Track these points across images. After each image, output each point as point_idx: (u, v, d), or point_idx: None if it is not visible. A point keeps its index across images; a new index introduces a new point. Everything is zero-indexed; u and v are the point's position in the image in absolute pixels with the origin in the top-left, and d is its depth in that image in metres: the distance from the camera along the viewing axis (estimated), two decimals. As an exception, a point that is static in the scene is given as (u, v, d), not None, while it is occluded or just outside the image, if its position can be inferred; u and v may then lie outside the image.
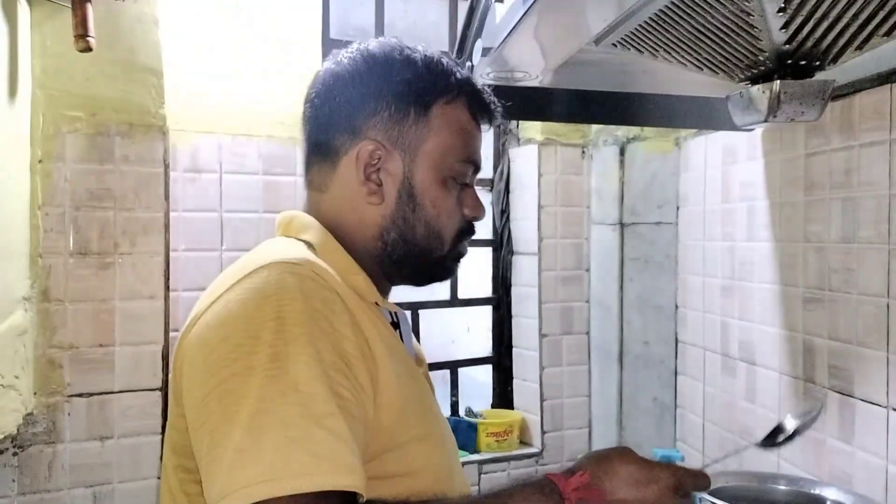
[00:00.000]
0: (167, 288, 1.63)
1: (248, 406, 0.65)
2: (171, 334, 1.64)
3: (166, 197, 1.62)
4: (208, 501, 0.65)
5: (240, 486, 0.63)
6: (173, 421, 0.81)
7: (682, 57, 1.04)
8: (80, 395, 1.55)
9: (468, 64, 1.27)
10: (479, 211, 0.94)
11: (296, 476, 0.63)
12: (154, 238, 1.60)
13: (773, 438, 1.06)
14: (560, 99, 1.45)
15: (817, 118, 0.96)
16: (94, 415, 1.56)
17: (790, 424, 1.06)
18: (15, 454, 1.50)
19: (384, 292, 0.93)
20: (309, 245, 0.86)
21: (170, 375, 0.83)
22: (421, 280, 0.97)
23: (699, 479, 0.86)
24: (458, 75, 0.92)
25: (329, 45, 1.95)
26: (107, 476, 1.58)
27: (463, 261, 0.98)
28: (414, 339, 0.99)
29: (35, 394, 1.51)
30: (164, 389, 1.63)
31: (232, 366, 0.69)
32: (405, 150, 0.89)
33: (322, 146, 0.92)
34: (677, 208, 1.95)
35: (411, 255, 0.90)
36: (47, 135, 1.51)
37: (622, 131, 2.13)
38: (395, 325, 0.92)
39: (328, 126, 0.91)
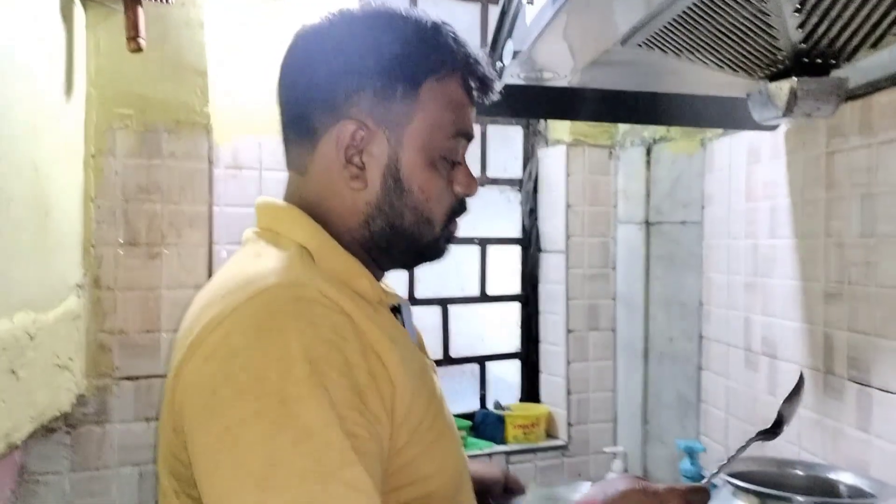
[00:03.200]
0: (210, 278, 1.70)
1: (260, 458, 0.61)
2: (214, 323, 1.72)
3: (210, 191, 1.70)
4: None
5: None
6: (174, 451, 0.74)
7: (704, 56, 1.09)
8: (128, 378, 1.63)
9: (499, 64, 1.33)
10: (471, 188, 0.87)
11: None
12: (198, 231, 1.68)
13: (771, 433, 1.10)
14: (588, 99, 1.49)
15: (832, 115, 1.01)
16: (141, 397, 1.64)
17: (782, 410, 1.11)
18: (67, 433, 1.59)
19: (378, 279, 0.88)
20: (304, 249, 0.80)
21: (164, 403, 0.76)
22: (411, 265, 0.94)
23: (702, 495, 0.85)
24: (453, 48, 0.83)
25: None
26: (152, 455, 1.66)
27: (452, 242, 0.90)
28: (414, 324, 0.94)
29: (86, 376, 1.60)
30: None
31: (238, 411, 0.63)
32: (390, 131, 0.81)
33: (299, 123, 0.84)
34: (702, 207, 1.98)
35: (400, 242, 0.84)
36: (100, 131, 1.60)
37: (648, 132, 2.17)
38: (395, 311, 0.87)
39: (306, 101, 0.83)
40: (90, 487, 1.59)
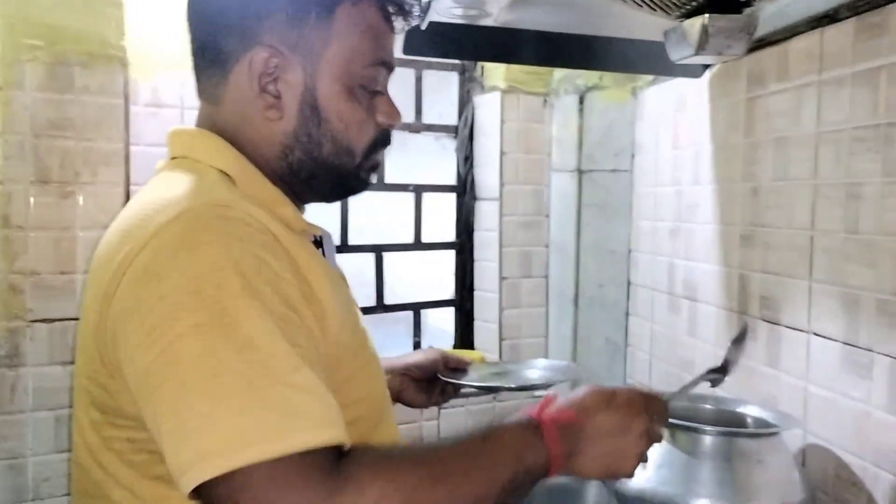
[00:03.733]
0: (127, 215, 1.65)
1: (204, 369, 0.60)
2: (133, 265, 1.67)
3: (126, 129, 1.64)
4: (175, 471, 0.61)
5: (212, 455, 0.58)
6: (100, 380, 0.73)
7: (622, -7, 1.08)
8: (42, 321, 1.58)
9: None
10: (394, 117, 0.86)
11: (270, 439, 0.58)
12: (114, 169, 1.62)
13: (719, 373, 1.12)
14: (521, 41, 1.47)
15: (742, 53, 1.01)
16: (57, 340, 1.59)
17: (728, 354, 1.14)
18: (-22, 377, 1.54)
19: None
20: (225, 175, 0.79)
21: (82, 327, 0.76)
22: (333, 197, 0.92)
23: (661, 405, 0.88)
24: None
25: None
26: (69, 400, 1.62)
27: (375, 172, 0.89)
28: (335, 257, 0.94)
29: (-3, 318, 1.55)
30: (126, 318, 1.66)
31: (176, 327, 0.62)
32: (306, 58, 0.79)
33: (210, 50, 0.82)
34: (633, 156, 2.00)
35: (319, 173, 0.83)
36: (7, 62, 1.51)
37: (582, 80, 2.17)
38: (317, 244, 0.87)
39: (216, 27, 0.81)
40: (4, 432, 1.55)
